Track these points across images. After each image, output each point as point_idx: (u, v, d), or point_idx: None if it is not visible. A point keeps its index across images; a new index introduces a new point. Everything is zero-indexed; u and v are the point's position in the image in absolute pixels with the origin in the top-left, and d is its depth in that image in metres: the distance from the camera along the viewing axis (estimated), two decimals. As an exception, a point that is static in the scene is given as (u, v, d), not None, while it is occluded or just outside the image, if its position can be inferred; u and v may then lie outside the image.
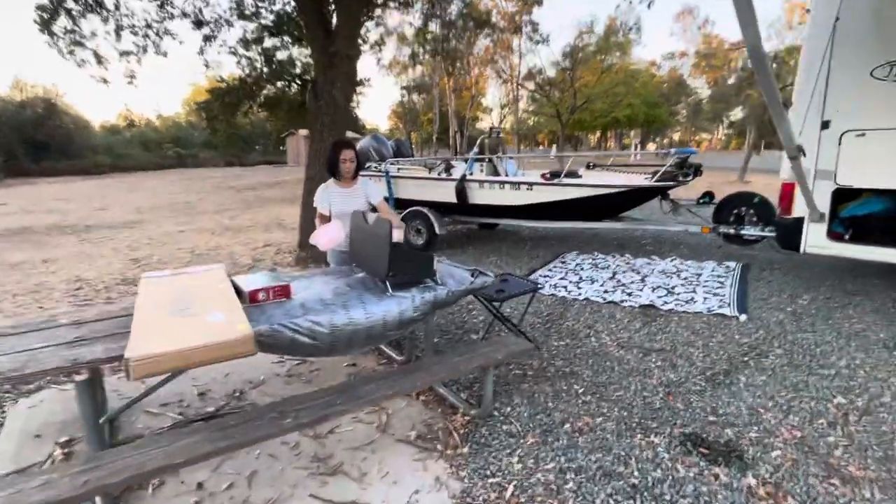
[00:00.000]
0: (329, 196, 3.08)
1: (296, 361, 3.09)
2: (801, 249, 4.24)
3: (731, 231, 5.36)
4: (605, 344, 3.38)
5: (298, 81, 10.77)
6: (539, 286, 3.54)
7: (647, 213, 7.17)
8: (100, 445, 1.88)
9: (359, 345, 2.30)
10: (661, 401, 2.61)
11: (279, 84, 11.04)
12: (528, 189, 5.89)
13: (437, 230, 6.17)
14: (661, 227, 6.14)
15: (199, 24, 7.09)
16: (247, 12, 8.05)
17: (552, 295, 4.45)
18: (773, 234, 4.91)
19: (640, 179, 5.65)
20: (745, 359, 3.09)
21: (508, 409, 2.55)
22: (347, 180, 3.14)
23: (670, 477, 2.00)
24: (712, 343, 3.35)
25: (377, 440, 2.30)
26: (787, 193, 4.27)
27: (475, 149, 6.63)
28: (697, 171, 5.55)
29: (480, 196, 6.20)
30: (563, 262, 5.67)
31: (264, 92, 11.09)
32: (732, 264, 5.33)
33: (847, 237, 4.11)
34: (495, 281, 3.00)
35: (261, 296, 2.20)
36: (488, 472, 2.06)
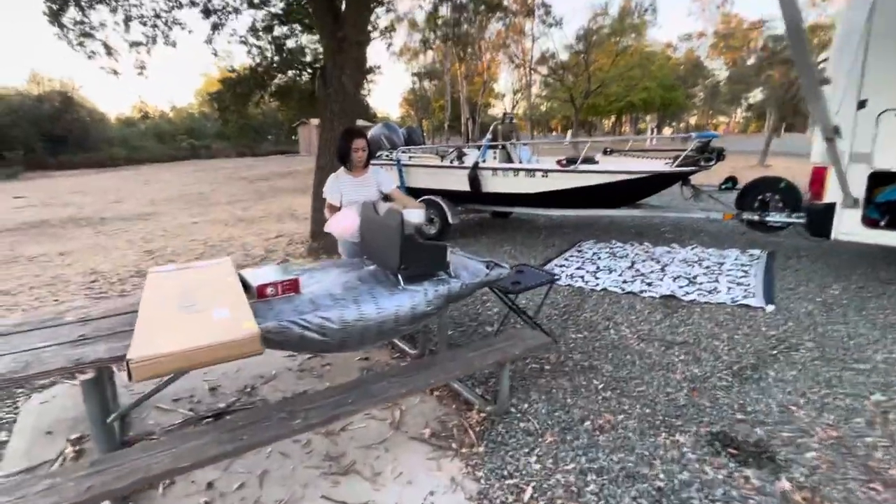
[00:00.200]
0: (340, 185, 2.99)
1: (307, 356, 3.04)
2: (832, 236, 4.05)
3: (756, 218, 5.16)
4: (625, 336, 3.26)
5: (309, 70, 10.67)
6: (556, 277, 3.43)
7: (666, 199, 6.97)
8: (108, 445, 1.84)
9: (370, 340, 2.22)
10: (685, 397, 2.50)
11: (290, 73, 10.96)
12: (543, 176, 5.73)
13: (449, 219, 6.06)
14: (681, 213, 5.95)
15: (207, 12, 7.01)
16: (255, 0, 7.95)
17: (569, 285, 4.33)
18: (801, 221, 4.71)
19: (660, 165, 5.46)
20: (774, 352, 2.95)
21: (525, 405, 2.47)
22: (359, 169, 3.04)
23: (698, 479, 1.90)
24: (738, 335, 3.21)
25: (390, 438, 2.24)
26: (818, 177, 4.06)
27: (488, 135, 6.48)
28: (720, 155, 5.35)
29: (494, 184, 6.06)
30: (579, 252, 5.53)
31: (275, 81, 11.02)
32: (757, 252, 5.13)
33: (883, 223, 3.90)
34: (511, 272, 2.89)
35: (269, 291, 2.14)
36: (505, 473, 1.98)
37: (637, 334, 3.29)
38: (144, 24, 6.59)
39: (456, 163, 6.36)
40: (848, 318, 3.40)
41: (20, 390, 2.68)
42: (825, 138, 3.10)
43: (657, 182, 5.52)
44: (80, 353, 1.66)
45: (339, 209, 2.98)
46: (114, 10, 6.31)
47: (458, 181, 6.19)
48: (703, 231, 6.39)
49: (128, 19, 6.47)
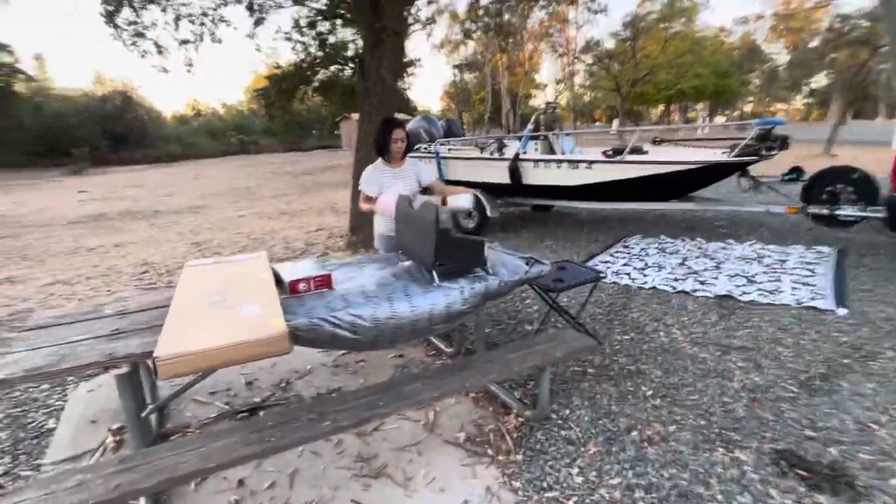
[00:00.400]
0: (378, 177, 2.89)
1: (341, 352, 3.00)
2: (917, 233, 3.63)
3: (825, 211, 4.72)
4: (676, 339, 3.04)
5: (351, 65, 10.74)
6: (601, 275, 3.23)
7: (721, 192, 6.53)
8: (143, 438, 1.85)
9: (403, 339, 2.14)
10: (744, 408, 2.28)
11: (332, 68, 11.06)
12: (587, 167, 5.48)
13: (488, 213, 5.91)
14: (738, 207, 5.54)
15: (251, 8, 7.14)
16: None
17: (614, 283, 4.11)
18: (878, 215, 4.27)
19: (716, 155, 5.10)
20: (847, 361, 2.66)
21: (567, 411, 2.32)
22: (397, 160, 2.95)
23: (762, 503, 1.71)
24: (804, 341, 2.92)
25: (424, 440, 2.15)
26: (900, 167, 3.65)
27: (530, 125, 6.26)
28: (784, 143, 4.91)
29: (535, 176, 5.85)
30: (625, 247, 5.26)
31: (318, 76, 11.17)
32: (826, 249, 4.70)
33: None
34: (552, 269, 2.73)
35: (301, 286, 2.09)
36: (545, 485, 1.86)
37: (689, 337, 3.06)
38: (192, 22, 6.77)
39: (496, 154, 6.19)
40: (936, 325, 3.03)
41: (70, 378, 2.77)
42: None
43: (712, 173, 5.16)
44: (114, 348, 1.66)
45: (374, 201, 2.90)
46: (164, 10, 6.53)
47: (498, 173, 6.02)
48: (763, 226, 5.94)
49: (178, 18, 6.68)
